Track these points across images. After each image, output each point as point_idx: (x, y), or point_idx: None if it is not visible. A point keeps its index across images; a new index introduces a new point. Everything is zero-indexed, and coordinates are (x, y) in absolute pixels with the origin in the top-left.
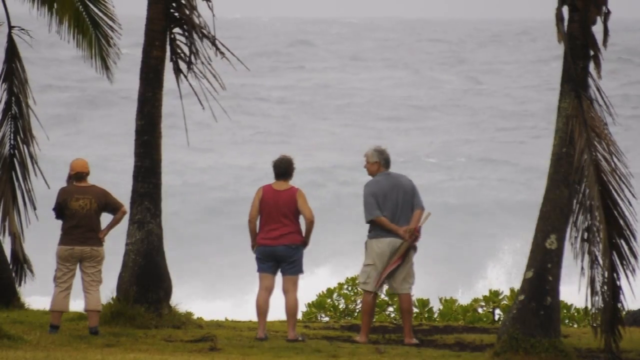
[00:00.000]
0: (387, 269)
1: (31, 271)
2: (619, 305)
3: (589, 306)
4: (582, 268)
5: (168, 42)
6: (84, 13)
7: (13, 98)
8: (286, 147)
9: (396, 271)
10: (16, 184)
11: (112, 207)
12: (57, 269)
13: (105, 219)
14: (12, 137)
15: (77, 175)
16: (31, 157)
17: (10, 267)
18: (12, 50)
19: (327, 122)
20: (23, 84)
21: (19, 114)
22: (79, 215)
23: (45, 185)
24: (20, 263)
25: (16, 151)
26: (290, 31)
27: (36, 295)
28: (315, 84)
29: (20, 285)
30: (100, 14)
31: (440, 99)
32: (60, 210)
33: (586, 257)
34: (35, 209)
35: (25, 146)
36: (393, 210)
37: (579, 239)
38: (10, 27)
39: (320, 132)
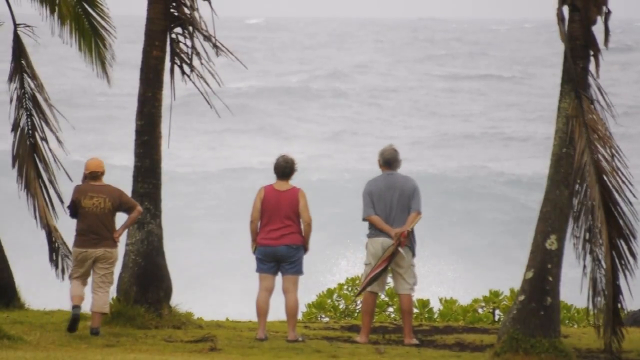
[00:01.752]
0: (371, 272)
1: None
2: (619, 305)
3: (591, 306)
4: (585, 267)
5: (168, 42)
6: (83, 16)
7: (26, 95)
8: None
9: (382, 274)
10: (40, 180)
11: (127, 206)
12: (72, 268)
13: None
14: (30, 134)
15: (92, 174)
16: (51, 152)
17: (51, 262)
18: (19, 48)
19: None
20: (37, 80)
21: (34, 111)
22: (92, 214)
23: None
24: (62, 256)
25: (35, 148)
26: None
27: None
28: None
29: (63, 279)
30: (96, 16)
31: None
32: (75, 208)
33: (588, 257)
34: (62, 202)
35: (44, 142)
36: (386, 211)
37: (581, 240)
38: (16, 25)
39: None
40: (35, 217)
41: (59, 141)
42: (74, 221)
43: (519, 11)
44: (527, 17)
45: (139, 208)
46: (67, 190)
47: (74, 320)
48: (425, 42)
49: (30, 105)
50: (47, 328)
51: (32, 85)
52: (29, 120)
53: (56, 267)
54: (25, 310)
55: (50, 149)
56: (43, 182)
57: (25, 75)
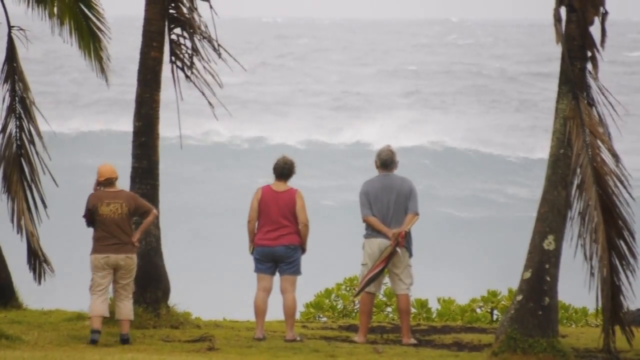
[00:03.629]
0: (369, 273)
1: (51, 269)
2: (622, 304)
3: (599, 306)
4: (592, 267)
5: (167, 43)
6: (81, 16)
7: (16, 98)
8: None
9: (380, 274)
10: (24, 183)
11: (143, 210)
12: (92, 278)
13: None
14: (18, 137)
15: (107, 181)
16: (38, 155)
17: (29, 265)
18: (12, 50)
19: None
20: (26, 83)
21: (23, 114)
22: (110, 220)
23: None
24: (40, 261)
25: (23, 151)
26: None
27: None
28: None
29: (40, 283)
30: (92, 17)
31: None
32: (91, 216)
33: (592, 257)
34: (45, 207)
35: (31, 146)
36: (383, 212)
37: (588, 240)
38: (10, 27)
39: None
40: (13, 221)
41: (43, 146)
42: (57, 226)
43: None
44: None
45: (155, 211)
46: (50, 194)
47: (92, 342)
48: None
49: (20, 108)
50: (45, 328)
51: (23, 88)
52: (17, 122)
53: (34, 271)
54: (23, 310)
55: (36, 153)
56: (28, 185)
57: (16, 77)
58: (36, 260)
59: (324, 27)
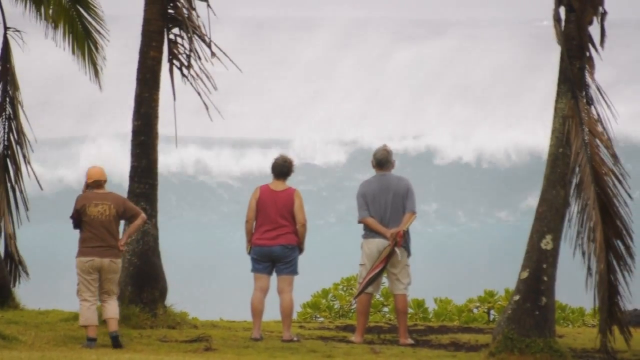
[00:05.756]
0: (369, 274)
1: (26, 272)
2: (619, 304)
3: (596, 306)
4: (590, 268)
5: (166, 43)
6: (77, 19)
7: (7, 99)
8: None
9: (379, 275)
10: (8, 184)
11: (131, 213)
12: (79, 282)
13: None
14: (5, 138)
15: (96, 183)
16: (24, 158)
17: (7, 267)
18: (6, 51)
19: None
20: (16, 84)
21: (12, 115)
22: (97, 222)
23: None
24: (15, 264)
25: (9, 152)
26: None
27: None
28: None
29: (14, 285)
30: (90, 19)
31: None
32: (79, 217)
33: (589, 257)
34: (27, 209)
35: (18, 147)
36: (381, 212)
37: (585, 239)
38: (6, 28)
39: None
40: None
41: (30, 145)
42: (40, 228)
43: None
44: None
45: (143, 215)
46: (35, 198)
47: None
48: None
49: (10, 109)
50: (42, 328)
51: (14, 90)
52: (6, 123)
53: (10, 273)
54: (20, 310)
55: (24, 155)
56: (12, 186)
57: (8, 79)
58: (12, 262)
59: None
